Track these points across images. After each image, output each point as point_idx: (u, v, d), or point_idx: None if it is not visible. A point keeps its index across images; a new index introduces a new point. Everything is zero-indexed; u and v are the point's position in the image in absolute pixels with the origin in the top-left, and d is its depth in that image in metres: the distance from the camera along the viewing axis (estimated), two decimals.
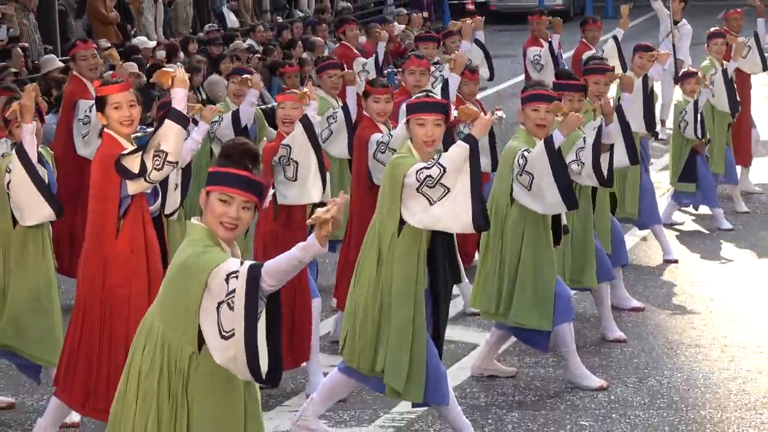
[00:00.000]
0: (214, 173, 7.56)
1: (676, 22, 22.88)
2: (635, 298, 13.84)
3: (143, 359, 7.48)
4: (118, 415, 7.53)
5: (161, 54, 24.14)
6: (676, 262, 15.83)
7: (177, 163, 9.86)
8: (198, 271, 7.19)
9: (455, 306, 13.22)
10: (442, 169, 9.64)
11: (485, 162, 15.31)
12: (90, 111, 14.30)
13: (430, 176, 9.65)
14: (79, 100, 14.72)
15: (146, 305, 9.09)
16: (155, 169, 9.64)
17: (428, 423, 10.62)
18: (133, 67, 21.61)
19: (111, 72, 17.22)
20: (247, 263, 7.10)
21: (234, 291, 7.03)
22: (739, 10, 20.88)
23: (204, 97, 21.67)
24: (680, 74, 17.99)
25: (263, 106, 22.51)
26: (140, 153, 9.61)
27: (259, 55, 25.15)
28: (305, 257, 7.29)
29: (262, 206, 7.78)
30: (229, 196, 7.41)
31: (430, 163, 9.79)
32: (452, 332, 13.01)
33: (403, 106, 11.21)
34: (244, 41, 26.50)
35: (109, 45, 23.82)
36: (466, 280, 12.74)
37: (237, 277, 7.03)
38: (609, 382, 11.54)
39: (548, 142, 11.19)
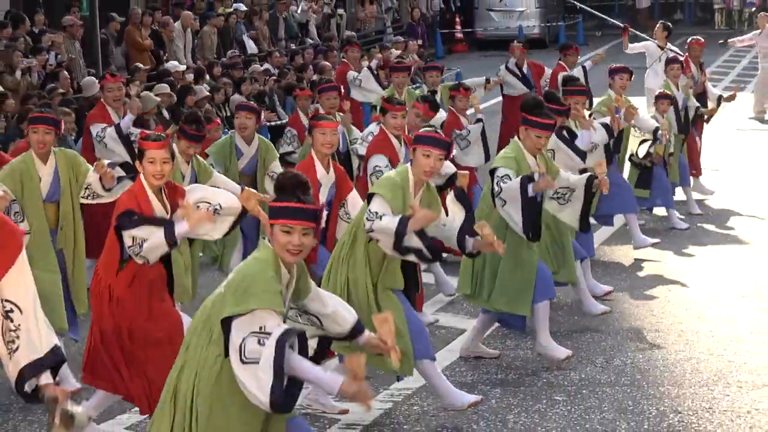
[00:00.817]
0: (273, 208, 7.49)
1: (661, 47, 22.86)
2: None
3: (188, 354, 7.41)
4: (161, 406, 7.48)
5: (190, 76, 24.13)
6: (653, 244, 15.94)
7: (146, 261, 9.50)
8: (253, 297, 7.11)
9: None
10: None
11: (477, 155, 16.30)
12: (103, 132, 14.61)
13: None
14: (92, 124, 14.88)
15: (147, 333, 9.37)
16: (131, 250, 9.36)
17: (422, 398, 10.62)
18: (165, 88, 21.65)
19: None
20: (280, 330, 7.03)
21: (266, 340, 6.99)
22: (701, 40, 20.82)
23: (228, 114, 21.70)
24: (655, 95, 17.91)
25: (277, 122, 22.57)
26: (130, 230, 9.29)
27: (275, 78, 25.17)
28: (324, 386, 7.34)
29: (319, 228, 7.66)
30: (290, 227, 7.36)
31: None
32: (443, 319, 13.09)
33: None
34: (261, 65, 26.47)
35: (144, 68, 23.91)
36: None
37: (268, 338, 6.97)
38: (579, 362, 11.62)
39: (524, 185, 10.99)
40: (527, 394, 10.71)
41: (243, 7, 31.92)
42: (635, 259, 15.64)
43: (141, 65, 24.43)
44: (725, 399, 10.24)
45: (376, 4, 38.71)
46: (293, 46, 30.64)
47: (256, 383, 6.91)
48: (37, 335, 6.61)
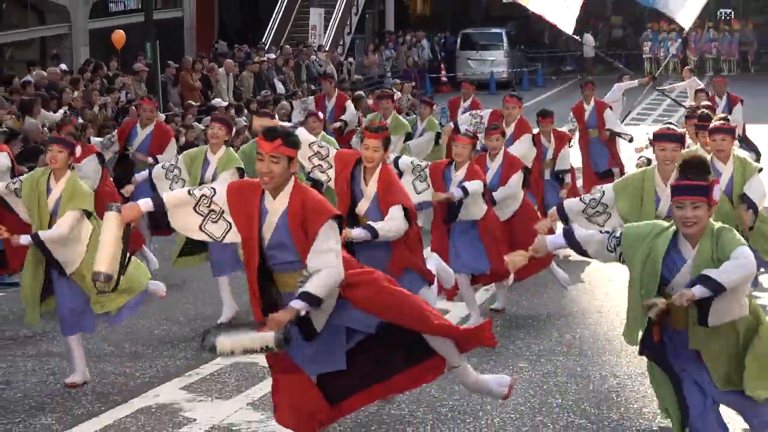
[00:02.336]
0: (673, 187, 6.62)
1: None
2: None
3: None
4: None
5: (231, 111, 24.14)
6: None
7: None
8: None
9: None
10: None
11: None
12: (113, 137, 15.08)
13: None
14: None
15: None
16: None
17: None
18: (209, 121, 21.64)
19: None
20: None
21: None
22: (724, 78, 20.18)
23: None
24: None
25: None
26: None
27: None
28: None
29: (714, 204, 6.52)
30: (680, 202, 6.46)
31: None
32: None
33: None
34: (288, 102, 26.49)
35: (195, 104, 23.88)
36: None
37: None
38: (538, 337, 11.59)
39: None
40: (497, 362, 10.64)
41: (273, 56, 31.96)
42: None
43: (192, 102, 24.52)
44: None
45: (378, 54, 38.68)
46: (313, 87, 30.63)
47: None
48: None
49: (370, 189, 9.39)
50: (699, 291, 6.28)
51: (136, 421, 9.14)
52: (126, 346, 11.39)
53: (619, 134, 18.60)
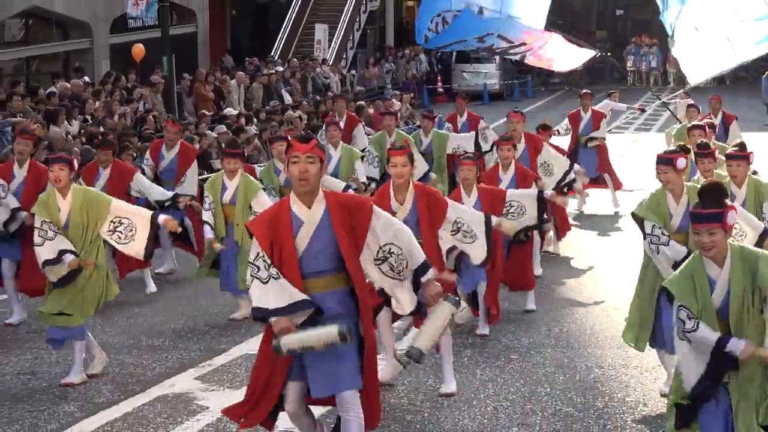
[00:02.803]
0: (690, 215, 6.63)
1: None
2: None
3: None
4: None
5: (242, 120, 24.15)
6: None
7: None
8: None
9: None
10: None
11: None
12: (148, 161, 14.74)
13: None
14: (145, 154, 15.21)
15: None
16: None
17: None
18: (223, 128, 21.64)
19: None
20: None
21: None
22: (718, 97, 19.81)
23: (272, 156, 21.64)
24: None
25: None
26: None
27: (306, 122, 25.16)
28: None
29: (728, 228, 6.52)
30: (697, 230, 6.42)
31: None
32: None
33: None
34: (294, 112, 26.50)
35: (208, 113, 23.88)
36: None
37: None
38: (528, 331, 11.58)
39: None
40: (490, 354, 10.67)
41: (281, 69, 31.97)
42: (569, 255, 15.67)
43: (206, 111, 24.55)
44: (636, 358, 10.18)
45: (378, 67, 38.69)
46: (318, 98, 30.63)
47: None
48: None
49: (405, 206, 9.14)
50: None
51: (153, 408, 9.15)
52: (143, 339, 11.42)
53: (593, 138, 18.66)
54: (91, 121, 21.17)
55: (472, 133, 17.02)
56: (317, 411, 7.48)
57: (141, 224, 9.91)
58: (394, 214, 8.66)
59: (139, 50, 27.01)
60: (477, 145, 16.30)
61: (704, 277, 6.50)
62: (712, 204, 6.46)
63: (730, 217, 6.42)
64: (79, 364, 9.86)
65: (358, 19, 39.33)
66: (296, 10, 38.41)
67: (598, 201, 19.30)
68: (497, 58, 42.35)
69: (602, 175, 18.66)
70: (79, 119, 20.92)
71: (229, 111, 25.74)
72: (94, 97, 22.90)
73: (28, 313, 12.10)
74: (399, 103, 30.26)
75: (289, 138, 6.94)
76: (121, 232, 9.90)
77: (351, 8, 38.80)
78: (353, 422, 6.68)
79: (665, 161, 9.04)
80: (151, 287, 13.70)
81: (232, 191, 12.01)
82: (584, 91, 19.99)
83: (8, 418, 8.98)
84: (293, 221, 6.75)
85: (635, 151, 26.87)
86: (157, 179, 14.35)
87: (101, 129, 20.12)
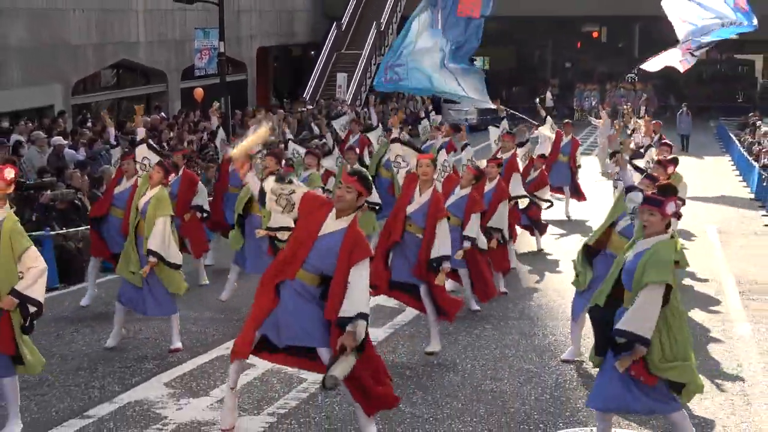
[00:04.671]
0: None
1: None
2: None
3: None
4: None
5: (281, 145, 24.11)
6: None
7: None
8: None
9: None
10: None
11: None
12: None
13: None
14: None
15: None
16: None
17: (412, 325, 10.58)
18: (265, 151, 21.56)
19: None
20: None
21: None
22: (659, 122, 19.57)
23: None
24: None
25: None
26: None
27: (329, 147, 25.08)
28: None
29: (665, 215, 6.30)
30: (641, 209, 6.38)
31: None
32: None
33: None
34: (321, 140, 26.46)
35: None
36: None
37: None
38: (498, 307, 11.52)
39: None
40: (469, 325, 10.63)
41: (310, 107, 31.99)
42: (548, 252, 15.59)
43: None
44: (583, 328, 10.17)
45: (384, 106, 38.68)
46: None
47: None
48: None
49: (423, 197, 9.10)
50: None
51: (212, 365, 9.15)
52: (207, 313, 11.34)
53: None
54: (166, 147, 21.17)
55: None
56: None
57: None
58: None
59: (198, 92, 26.96)
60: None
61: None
62: (660, 194, 6.47)
63: (669, 207, 6.32)
64: (175, 329, 9.69)
65: (369, 69, 39.35)
66: (322, 63, 38.54)
67: (584, 209, 18.65)
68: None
69: (564, 187, 18.48)
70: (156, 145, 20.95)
71: (271, 139, 25.77)
72: (168, 128, 22.90)
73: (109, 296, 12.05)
74: (405, 134, 30.28)
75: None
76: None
77: (364, 61, 38.86)
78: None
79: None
80: (204, 278, 12.92)
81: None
82: (567, 121, 19.73)
83: (102, 372, 8.98)
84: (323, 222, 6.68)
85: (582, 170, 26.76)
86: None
87: (173, 152, 20.13)
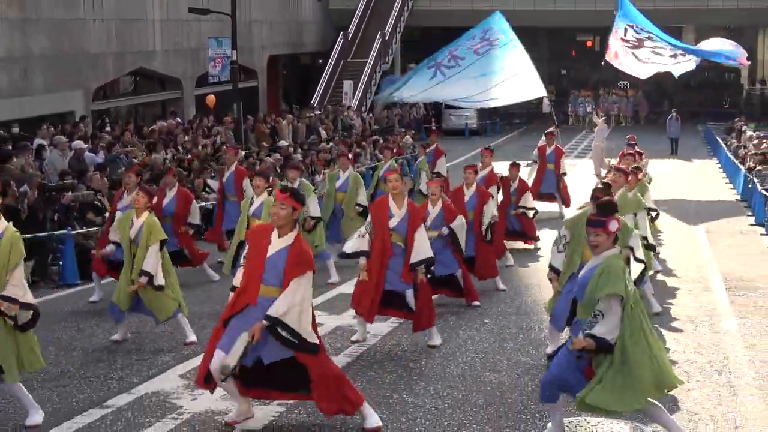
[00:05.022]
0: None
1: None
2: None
3: None
4: None
5: (291, 149, 24.14)
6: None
7: None
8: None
9: None
10: None
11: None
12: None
13: None
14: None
15: None
16: None
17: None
18: (277, 156, 21.59)
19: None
20: None
21: None
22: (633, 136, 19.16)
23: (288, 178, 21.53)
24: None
25: None
26: None
27: (337, 150, 25.10)
28: None
29: (610, 233, 6.39)
30: (588, 231, 6.46)
31: None
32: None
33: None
34: (328, 144, 26.47)
35: (266, 145, 23.86)
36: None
37: None
38: (497, 303, 11.49)
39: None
40: (469, 319, 10.64)
41: (318, 113, 31.99)
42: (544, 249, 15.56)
43: (264, 143, 24.49)
44: None
45: (388, 112, 38.64)
46: (345, 134, 30.61)
47: None
48: None
49: (402, 210, 9.31)
50: None
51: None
52: (218, 308, 11.22)
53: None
54: (181, 150, 21.17)
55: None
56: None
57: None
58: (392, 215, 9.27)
59: (210, 99, 27.04)
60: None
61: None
62: (601, 214, 6.51)
63: (612, 225, 6.39)
64: (185, 325, 9.69)
65: (374, 77, 39.33)
66: (329, 70, 38.52)
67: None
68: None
69: (554, 193, 18.51)
70: (171, 149, 20.93)
71: (281, 143, 25.68)
72: (183, 133, 22.89)
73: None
74: (408, 136, 30.33)
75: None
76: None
77: (369, 69, 38.83)
78: None
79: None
80: (213, 276, 13.06)
81: (258, 205, 11.37)
82: (549, 130, 19.42)
83: (121, 364, 8.99)
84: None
85: (575, 173, 26.73)
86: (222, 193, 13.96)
87: (188, 156, 20.11)
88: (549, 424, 6.91)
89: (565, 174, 18.73)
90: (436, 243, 10.15)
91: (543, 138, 18.97)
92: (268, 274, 6.75)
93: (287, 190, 6.80)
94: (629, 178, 10.68)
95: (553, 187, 18.42)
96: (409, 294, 9.27)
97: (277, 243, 6.79)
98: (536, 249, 15.20)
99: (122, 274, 9.62)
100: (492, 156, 14.55)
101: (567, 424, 7.05)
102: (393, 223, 9.28)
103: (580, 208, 9.39)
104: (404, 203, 9.34)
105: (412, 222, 9.23)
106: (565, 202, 18.55)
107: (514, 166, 15.35)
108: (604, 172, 21.92)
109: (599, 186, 8.96)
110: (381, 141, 26.66)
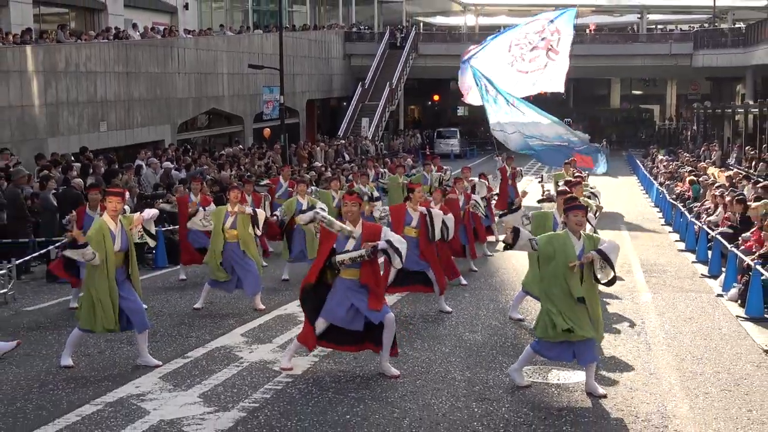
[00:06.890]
0: (570, 206, 6.30)
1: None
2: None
3: None
4: None
5: (322, 169, 24.03)
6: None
7: None
8: None
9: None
10: None
11: None
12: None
13: None
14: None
15: None
16: None
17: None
18: (312, 173, 21.45)
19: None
20: None
21: None
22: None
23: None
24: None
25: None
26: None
27: (359, 171, 24.89)
28: None
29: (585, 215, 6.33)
30: (575, 213, 6.24)
31: None
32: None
33: None
34: (350, 165, 26.37)
35: (304, 165, 23.71)
36: None
37: None
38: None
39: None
40: (453, 294, 10.48)
41: (343, 141, 31.94)
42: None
43: (303, 164, 24.43)
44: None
45: (394, 140, 38.53)
46: (363, 158, 30.56)
47: None
48: None
49: (417, 214, 9.19)
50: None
51: (274, 321, 9.07)
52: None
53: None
54: (242, 169, 21.16)
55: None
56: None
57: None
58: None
59: (266, 132, 27.19)
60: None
61: (570, 245, 6.25)
62: (577, 202, 6.66)
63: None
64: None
65: (385, 115, 39.46)
66: (351, 110, 38.76)
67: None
68: (458, 135, 42.23)
69: (514, 200, 18.05)
70: (236, 168, 20.93)
71: (316, 163, 25.69)
72: (244, 156, 22.93)
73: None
74: (410, 160, 30.28)
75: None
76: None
77: (381, 109, 38.97)
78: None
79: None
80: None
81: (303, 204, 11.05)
82: (509, 155, 18.65)
83: (198, 326, 8.91)
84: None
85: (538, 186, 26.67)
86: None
87: (248, 174, 20.04)
88: (512, 365, 6.77)
89: (526, 194, 18.01)
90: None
91: (500, 160, 18.38)
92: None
93: (353, 193, 6.86)
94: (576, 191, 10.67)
95: (512, 196, 18.02)
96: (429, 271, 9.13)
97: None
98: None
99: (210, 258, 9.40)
100: (470, 172, 14.64)
101: (525, 371, 7.02)
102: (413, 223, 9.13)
103: (540, 202, 9.44)
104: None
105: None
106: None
107: (483, 176, 15.60)
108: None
109: (559, 189, 9.28)
110: (389, 161, 26.60)
